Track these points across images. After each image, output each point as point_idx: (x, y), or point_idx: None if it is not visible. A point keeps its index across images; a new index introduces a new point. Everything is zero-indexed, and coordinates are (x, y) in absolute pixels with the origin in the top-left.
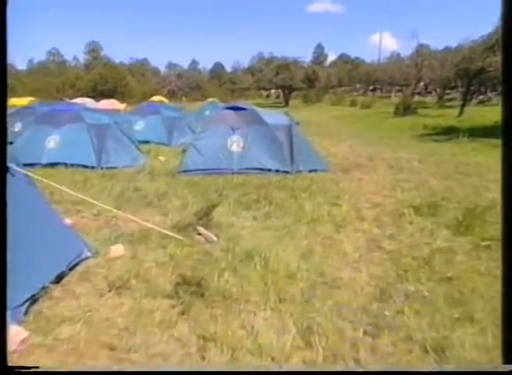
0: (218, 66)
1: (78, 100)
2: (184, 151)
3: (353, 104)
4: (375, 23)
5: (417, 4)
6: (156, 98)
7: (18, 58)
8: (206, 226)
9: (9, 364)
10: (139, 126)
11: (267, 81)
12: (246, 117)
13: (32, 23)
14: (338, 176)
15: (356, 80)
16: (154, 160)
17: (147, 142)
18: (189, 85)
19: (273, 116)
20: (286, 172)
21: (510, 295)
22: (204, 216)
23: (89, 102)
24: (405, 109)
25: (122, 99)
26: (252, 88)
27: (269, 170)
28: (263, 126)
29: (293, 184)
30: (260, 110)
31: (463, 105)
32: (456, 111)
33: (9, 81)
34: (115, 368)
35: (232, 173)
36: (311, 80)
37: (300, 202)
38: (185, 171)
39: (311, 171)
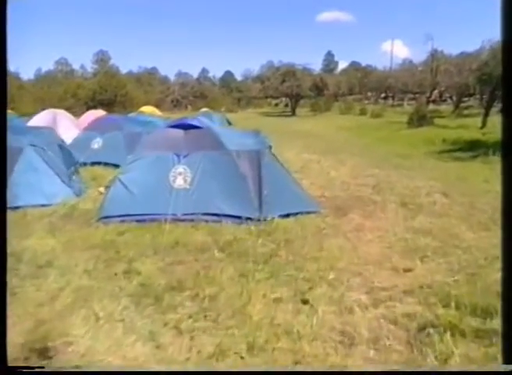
0: (228, 75)
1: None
2: (107, 187)
3: (363, 113)
4: (386, 31)
5: (429, 11)
6: (146, 109)
7: (26, 68)
8: None
9: (9, 364)
10: (96, 144)
11: (273, 89)
12: (198, 139)
13: (41, 32)
14: (327, 223)
15: (367, 88)
16: (91, 192)
17: (105, 164)
18: (193, 94)
19: (238, 138)
20: (250, 219)
21: (509, 296)
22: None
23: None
24: (420, 119)
25: (123, 109)
26: (259, 97)
27: (227, 217)
28: (221, 152)
29: (252, 247)
30: (220, 129)
31: (486, 115)
32: (475, 120)
33: (15, 91)
34: (116, 368)
35: (175, 220)
36: (319, 88)
37: (246, 298)
38: (106, 217)
39: (288, 215)
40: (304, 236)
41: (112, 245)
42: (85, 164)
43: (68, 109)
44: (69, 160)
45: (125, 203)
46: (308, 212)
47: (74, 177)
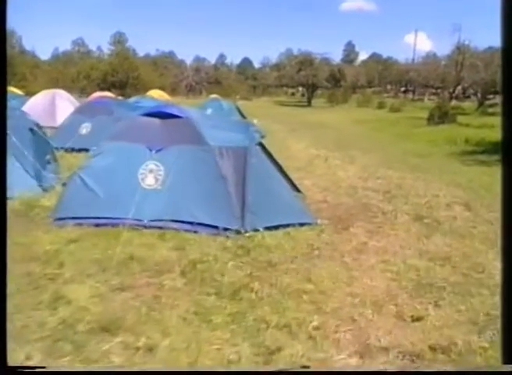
0: (246, 62)
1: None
2: (65, 184)
3: (381, 106)
4: (410, 22)
5: (456, 3)
6: (154, 93)
7: (43, 47)
8: None
9: (10, 364)
10: (85, 129)
11: (289, 78)
12: (176, 131)
13: (60, 11)
14: (323, 239)
15: (387, 81)
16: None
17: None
18: (208, 80)
19: (224, 131)
20: (229, 230)
21: (509, 296)
22: None
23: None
24: (441, 116)
25: (135, 91)
26: (275, 85)
27: (202, 226)
28: (200, 148)
29: (221, 272)
30: (204, 119)
31: None
32: (500, 119)
33: (30, 70)
34: (116, 368)
35: (141, 227)
36: (336, 79)
37: (193, 353)
38: (60, 219)
39: (277, 228)
40: (292, 257)
41: (55, 258)
42: (72, 150)
43: (81, 90)
44: (43, 147)
45: (84, 203)
46: (302, 224)
47: (49, 166)
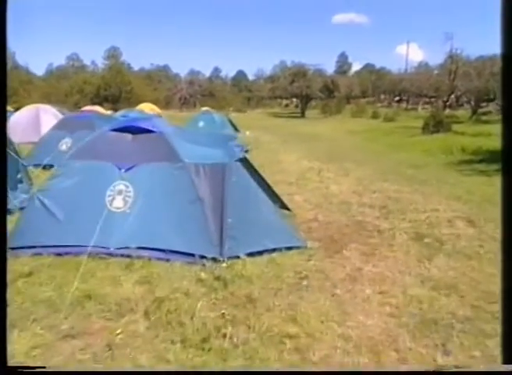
0: (241, 74)
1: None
2: (22, 209)
3: (375, 116)
4: (401, 33)
5: (446, 14)
6: (144, 106)
7: (37, 63)
8: None
9: (10, 364)
10: (65, 144)
11: (282, 89)
12: (148, 147)
13: (54, 27)
14: (311, 266)
15: (380, 91)
16: None
17: None
18: (202, 92)
19: (201, 146)
20: (206, 258)
21: (509, 296)
22: None
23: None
24: (436, 125)
25: (127, 105)
26: (269, 97)
27: (176, 254)
28: (174, 165)
29: (191, 312)
30: (179, 134)
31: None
32: (495, 127)
33: (23, 86)
34: (116, 368)
35: (107, 255)
36: (329, 90)
37: None
38: (15, 248)
39: (261, 253)
40: (275, 290)
41: None
42: (51, 167)
43: (74, 105)
44: (14, 165)
45: (43, 230)
46: (290, 248)
47: (21, 186)
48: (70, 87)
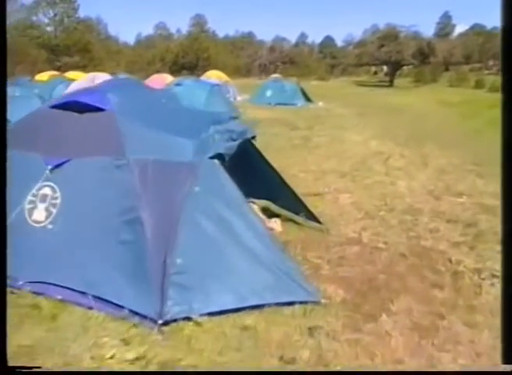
0: (328, 40)
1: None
2: None
3: (479, 85)
4: None
5: None
6: (212, 73)
7: (127, 32)
8: None
9: (9, 364)
10: None
11: (369, 55)
12: (91, 132)
13: None
14: (305, 356)
15: (489, 56)
16: None
17: None
18: (282, 59)
19: (168, 131)
20: (139, 315)
21: (509, 296)
22: None
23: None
24: None
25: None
26: (354, 64)
27: (100, 301)
28: (114, 162)
29: None
30: (141, 112)
31: None
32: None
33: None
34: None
35: (17, 289)
36: (424, 55)
37: None
38: None
39: (238, 310)
40: None
41: None
42: None
43: (156, 73)
44: None
45: None
46: (290, 304)
47: None
48: (153, 56)
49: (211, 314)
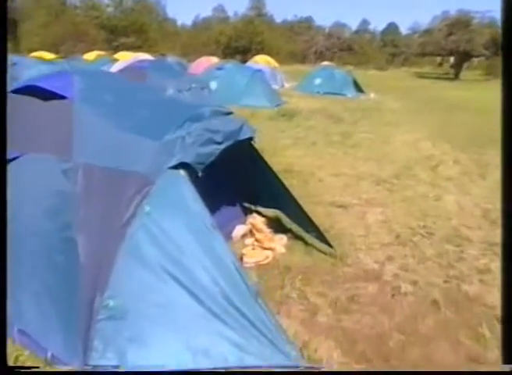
0: (392, 27)
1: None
2: None
3: None
4: None
5: None
6: (260, 58)
7: (185, 14)
8: None
9: (9, 364)
10: None
11: (434, 44)
12: (47, 123)
13: None
14: None
15: None
16: None
17: None
18: (340, 46)
19: (123, 130)
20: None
21: (509, 296)
22: None
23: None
24: None
25: None
26: (416, 54)
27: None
28: (60, 165)
29: None
30: (98, 102)
31: None
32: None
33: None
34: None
35: None
36: (498, 45)
37: None
38: None
39: None
40: None
41: None
42: None
43: (210, 55)
44: None
45: None
46: None
47: None
48: (208, 39)
49: None
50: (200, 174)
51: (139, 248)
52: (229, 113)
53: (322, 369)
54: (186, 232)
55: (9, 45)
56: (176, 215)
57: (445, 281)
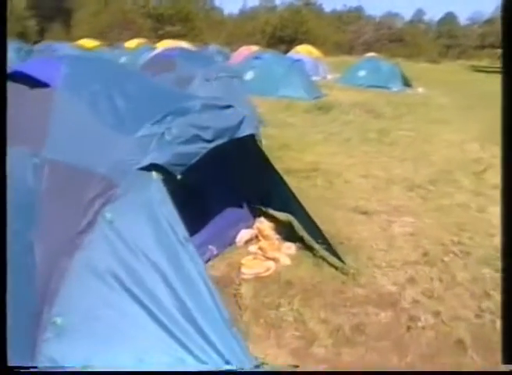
0: (449, 17)
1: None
2: None
3: None
4: None
5: None
6: (302, 48)
7: (232, 3)
8: None
9: (9, 364)
10: None
11: (495, 36)
12: (31, 112)
13: None
14: None
15: None
16: None
17: None
18: (390, 37)
19: (102, 124)
20: None
21: (509, 296)
22: None
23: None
24: None
25: None
26: (475, 46)
27: None
28: (30, 159)
29: None
30: (83, 92)
31: None
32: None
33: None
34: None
35: None
36: None
37: None
38: None
39: None
40: None
41: None
42: None
43: (255, 45)
44: None
45: None
46: None
47: None
48: (253, 28)
49: None
50: (178, 177)
51: (93, 259)
52: (228, 107)
53: (322, 369)
54: (154, 246)
55: (62, 34)
56: (142, 225)
57: (476, 315)
